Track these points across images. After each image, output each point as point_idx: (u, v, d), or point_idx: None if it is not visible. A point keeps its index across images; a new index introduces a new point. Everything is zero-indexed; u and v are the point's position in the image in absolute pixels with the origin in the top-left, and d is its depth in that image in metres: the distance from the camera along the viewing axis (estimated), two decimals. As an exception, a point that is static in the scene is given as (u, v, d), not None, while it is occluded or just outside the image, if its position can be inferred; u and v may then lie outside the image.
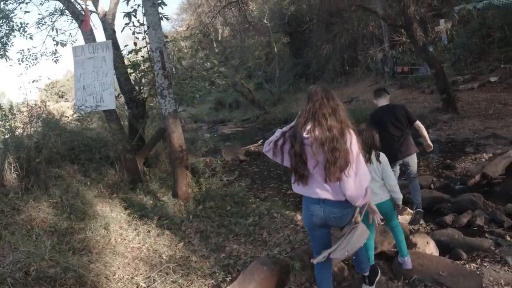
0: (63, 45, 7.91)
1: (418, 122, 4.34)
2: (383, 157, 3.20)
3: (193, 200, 5.11)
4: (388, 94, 4.46)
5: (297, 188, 2.43)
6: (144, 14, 5.54)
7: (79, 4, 6.62)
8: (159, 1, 6.61)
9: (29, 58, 8.22)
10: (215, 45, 21.89)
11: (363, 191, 2.26)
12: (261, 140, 11.93)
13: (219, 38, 24.51)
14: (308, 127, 2.22)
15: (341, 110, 2.27)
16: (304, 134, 2.22)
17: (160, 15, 6.82)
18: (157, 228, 4.47)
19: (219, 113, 24.25)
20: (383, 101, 4.36)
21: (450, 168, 6.54)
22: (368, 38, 19.87)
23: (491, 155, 6.81)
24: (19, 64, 8.39)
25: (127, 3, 6.24)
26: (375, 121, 4.12)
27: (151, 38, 4.91)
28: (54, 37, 7.77)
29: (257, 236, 4.05)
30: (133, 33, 6.52)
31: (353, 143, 2.22)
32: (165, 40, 6.03)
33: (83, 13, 6.39)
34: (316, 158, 2.22)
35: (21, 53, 8.14)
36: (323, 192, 2.30)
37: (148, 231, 4.41)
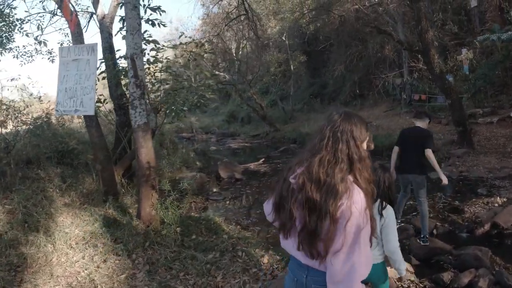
0: (45, 44, 7.70)
1: (429, 152, 4.44)
2: (389, 212, 2.44)
3: (157, 224, 4.58)
4: (428, 119, 4.84)
5: (283, 242, 1.73)
6: (124, 18, 5.13)
7: (71, 4, 6.32)
8: (158, 21, 6.31)
9: (24, 55, 7.99)
10: (221, 57, 21.70)
11: (354, 284, 1.47)
12: (263, 159, 11.38)
13: (237, 51, 24.29)
14: (299, 169, 1.56)
15: (358, 162, 1.50)
16: (291, 178, 1.58)
17: (156, 21, 6.50)
18: (106, 252, 3.95)
19: (231, 126, 24.01)
20: (418, 123, 4.75)
21: (457, 211, 5.81)
22: (386, 62, 19.28)
23: (505, 199, 6.10)
24: (16, 59, 8.18)
25: (120, 7, 5.92)
26: (402, 137, 4.80)
27: (128, 43, 4.50)
28: (37, 36, 7.54)
29: (210, 279, 3.44)
30: (123, 37, 6.16)
31: (353, 218, 1.43)
32: (146, 47, 5.66)
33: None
34: (294, 214, 1.56)
35: (16, 50, 7.93)
36: (306, 257, 1.59)
37: (95, 255, 3.90)
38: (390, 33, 10.29)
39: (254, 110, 19.74)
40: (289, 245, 1.64)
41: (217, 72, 10.77)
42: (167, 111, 6.30)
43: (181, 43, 6.17)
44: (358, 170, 1.49)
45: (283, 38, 22.82)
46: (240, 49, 24.57)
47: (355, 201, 1.43)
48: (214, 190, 8.18)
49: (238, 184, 8.87)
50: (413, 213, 5.80)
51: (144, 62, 5.76)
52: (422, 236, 4.57)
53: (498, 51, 13.89)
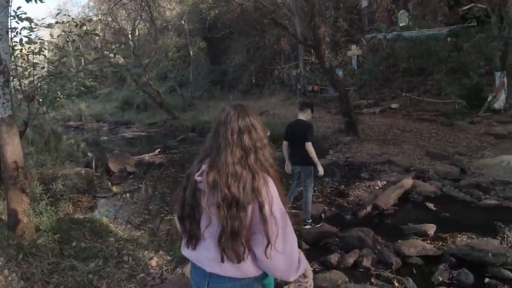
0: None
1: (307, 145, 4.61)
2: None
3: (31, 232, 3.89)
4: (310, 109, 4.92)
5: (185, 251, 1.63)
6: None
7: None
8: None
9: None
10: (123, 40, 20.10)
11: (296, 262, 1.52)
12: (159, 150, 10.79)
13: (132, 33, 22.70)
14: (204, 166, 1.50)
15: (260, 149, 1.52)
16: (197, 176, 1.50)
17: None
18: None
19: (125, 114, 22.31)
20: (300, 115, 4.86)
21: (343, 195, 6.27)
22: (285, 53, 20.04)
23: (385, 182, 6.75)
24: None
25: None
26: (287, 132, 4.93)
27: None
28: None
29: (92, 292, 3.03)
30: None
31: (274, 204, 1.45)
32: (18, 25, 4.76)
33: None
34: (209, 216, 1.47)
35: None
36: (213, 264, 1.51)
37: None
38: (286, 26, 10.61)
39: (150, 96, 18.66)
40: (195, 255, 1.58)
41: (110, 54, 9.72)
42: (41, 100, 5.44)
43: (57, 22, 5.30)
44: (264, 157, 1.53)
45: (183, 22, 22.00)
46: (137, 30, 23.01)
47: (271, 188, 1.47)
48: (103, 186, 7.47)
49: (131, 177, 8.23)
50: (304, 199, 6.02)
51: (16, 43, 4.85)
52: (303, 220, 4.83)
53: (383, 49, 15.51)
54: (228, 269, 1.49)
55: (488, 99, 10.52)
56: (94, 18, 19.29)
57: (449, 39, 14.73)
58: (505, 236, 4.43)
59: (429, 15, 16.75)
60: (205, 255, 1.53)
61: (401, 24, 16.81)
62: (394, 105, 12.85)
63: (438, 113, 11.33)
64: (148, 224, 5.28)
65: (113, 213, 5.99)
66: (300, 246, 4.21)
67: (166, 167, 9.07)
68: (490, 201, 5.63)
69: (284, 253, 1.46)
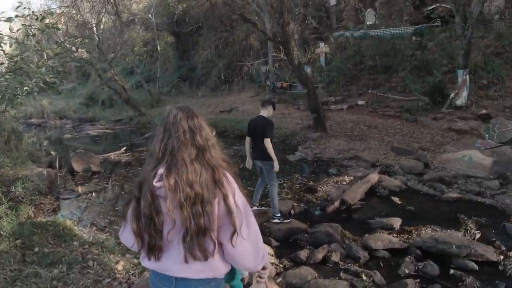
0: None
1: (266, 141, 4.72)
2: None
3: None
4: (272, 106, 5.02)
5: (148, 263, 1.56)
6: None
7: None
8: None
9: None
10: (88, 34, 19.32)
11: (262, 249, 1.58)
12: (124, 148, 10.46)
13: (97, 26, 21.86)
14: (161, 170, 1.44)
15: (212, 147, 1.53)
16: (155, 182, 1.42)
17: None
18: None
19: (90, 110, 21.49)
20: (262, 112, 4.98)
21: (312, 191, 6.33)
22: (254, 50, 19.99)
23: (352, 178, 6.88)
24: None
25: None
26: (249, 127, 5.05)
27: None
28: None
29: (57, 298, 2.88)
30: None
31: (236, 194, 1.49)
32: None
33: None
34: (173, 219, 1.42)
35: None
36: (182, 268, 1.47)
37: None
38: (255, 22, 10.55)
39: (116, 92, 18.07)
40: (160, 264, 1.51)
41: (73, 48, 9.31)
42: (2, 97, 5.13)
43: (17, 16, 4.99)
44: (216, 154, 1.54)
45: (150, 16, 21.45)
46: (102, 23, 22.17)
47: (230, 179, 1.50)
48: (67, 186, 7.16)
49: (96, 177, 7.92)
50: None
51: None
52: (272, 215, 4.89)
53: (350, 47, 15.78)
54: (197, 270, 1.46)
55: (451, 96, 10.96)
56: (58, 11, 18.45)
57: (414, 38, 15.28)
58: (468, 228, 4.62)
59: (395, 14, 17.26)
60: (174, 260, 1.48)
61: (368, 23, 17.21)
62: (360, 102, 13.13)
63: (402, 109, 11.68)
64: (114, 225, 5.08)
65: (78, 215, 5.75)
66: (269, 243, 4.24)
67: (132, 166, 8.80)
68: (453, 194, 5.86)
69: (249, 239, 1.49)
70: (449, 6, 12.28)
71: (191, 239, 1.40)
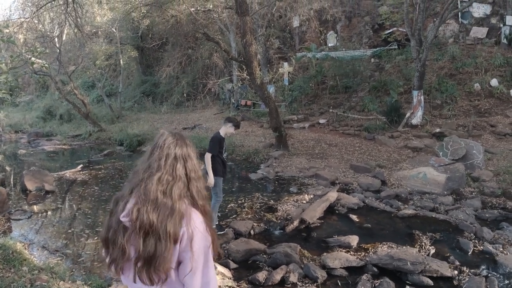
0: None
1: (206, 155, 4.93)
2: None
3: None
4: (231, 123, 5.10)
5: (121, 278, 1.58)
6: None
7: None
8: None
9: None
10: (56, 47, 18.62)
11: None
12: (81, 166, 10.06)
13: (60, 38, 21.14)
14: (130, 204, 1.44)
15: (194, 180, 1.53)
16: (122, 217, 1.43)
17: None
18: None
19: (47, 124, 20.54)
20: (221, 128, 5.15)
21: (272, 210, 6.34)
22: (218, 68, 20.10)
23: (312, 196, 6.98)
24: None
25: None
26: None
27: None
28: None
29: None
30: None
31: (195, 239, 1.43)
32: None
33: None
34: (130, 246, 1.44)
35: None
36: (135, 286, 1.48)
37: None
38: (218, 41, 10.61)
39: (75, 106, 17.42)
40: (127, 279, 1.52)
41: (31, 59, 8.97)
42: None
43: None
44: (196, 188, 1.52)
45: (114, 30, 21.09)
46: (63, 35, 21.46)
47: (195, 222, 1.45)
48: (19, 206, 6.78)
49: (49, 197, 7.53)
50: (233, 216, 6.02)
51: None
52: None
53: (312, 67, 16.29)
54: None
55: (407, 116, 11.56)
56: (18, 21, 17.69)
57: (372, 60, 16.09)
58: (423, 244, 4.83)
59: (355, 37, 18.10)
60: (130, 278, 1.47)
61: (329, 44, 17.92)
62: (322, 121, 13.49)
63: (361, 128, 12.12)
64: (67, 249, 4.85)
65: (29, 237, 5.44)
66: (228, 266, 4.20)
67: (89, 185, 8.46)
68: (408, 211, 6.12)
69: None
70: (405, 30, 13.04)
71: (142, 265, 1.39)
